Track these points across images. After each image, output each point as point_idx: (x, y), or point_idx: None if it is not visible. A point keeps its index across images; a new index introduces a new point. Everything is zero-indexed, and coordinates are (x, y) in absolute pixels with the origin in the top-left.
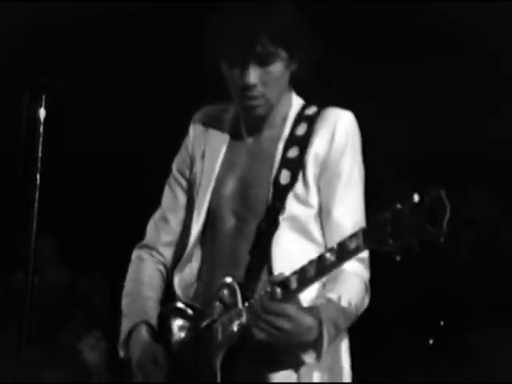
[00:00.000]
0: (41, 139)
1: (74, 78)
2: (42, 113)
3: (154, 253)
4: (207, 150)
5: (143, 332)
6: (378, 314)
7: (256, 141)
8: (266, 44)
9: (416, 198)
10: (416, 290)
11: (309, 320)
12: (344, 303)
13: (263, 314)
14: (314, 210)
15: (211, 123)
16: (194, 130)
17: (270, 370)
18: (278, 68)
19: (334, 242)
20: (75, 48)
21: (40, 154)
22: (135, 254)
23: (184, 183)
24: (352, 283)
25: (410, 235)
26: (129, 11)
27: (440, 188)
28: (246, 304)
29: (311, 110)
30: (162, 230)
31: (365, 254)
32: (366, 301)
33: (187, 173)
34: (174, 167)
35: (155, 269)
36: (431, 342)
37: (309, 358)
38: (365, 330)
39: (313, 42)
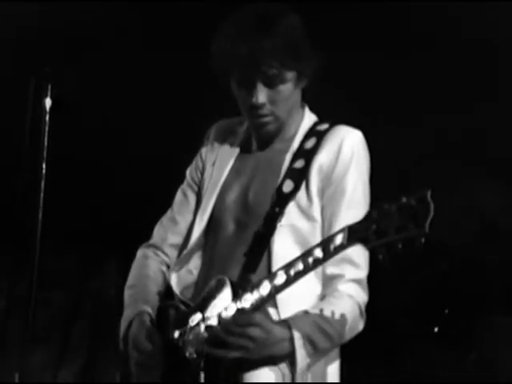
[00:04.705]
0: (46, 128)
1: (82, 67)
2: (48, 102)
3: (160, 253)
4: (218, 159)
5: (145, 319)
6: (383, 303)
7: (265, 153)
8: (273, 66)
9: (403, 198)
10: (420, 278)
11: (279, 331)
12: (326, 321)
13: (234, 328)
14: (317, 225)
15: (225, 135)
16: (209, 141)
17: (254, 368)
18: (286, 87)
19: (332, 262)
20: (82, 36)
21: (46, 144)
22: (140, 252)
23: (195, 188)
24: (342, 304)
25: (392, 233)
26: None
27: (426, 189)
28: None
29: (322, 127)
30: (169, 231)
31: (363, 274)
32: (360, 325)
33: (198, 179)
34: (188, 173)
35: (159, 268)
36: (436, 330)
37: (284, 370)
38: (368, 319)
39: (319, 57)
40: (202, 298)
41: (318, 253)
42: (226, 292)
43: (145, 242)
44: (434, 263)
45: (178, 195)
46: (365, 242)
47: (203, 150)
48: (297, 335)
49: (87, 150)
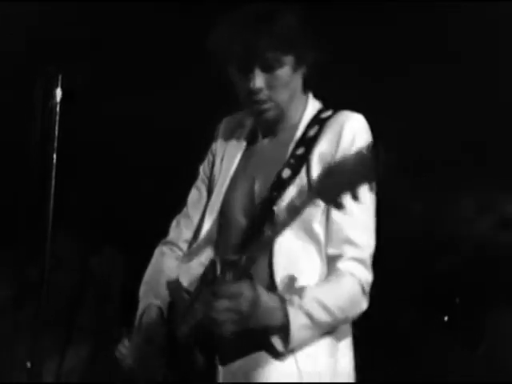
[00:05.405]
0: (57, 119)
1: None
2: (59, 93)
3: (175, 248)
4: (226, 153)
5: (152, 312)
6: (392, 293)
7: (269, 143)
8: (271, 50)
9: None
10: (430, 267)
11: (269, 299)
12: (323, 294)
13: (216, 301)
14: (319, 209)
15: (233, 128)
16: (219, 136)
17: (252, 349)
18: (284, 72)
19: (332, 241)
20: (91, 33)
21: (56, 134)
22: (157, 249)
23: (207, 184)
24: (342, 280)
25: (346, 184)
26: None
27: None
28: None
29: (326, 114)
30: (183, 227)
31: (364, 254)
32: (363, 304)
33: (209, 174)
34: (201, 169)
35: (174, 263)
36: (446, 319)
37: (277, 344)
38: (378, 310)
39: (319, 45)
40: (199, 281)
41: (285, 214)
42: (218, 272)
43: (162, 239)
44: (446, 255)
45: (192, 192)
46: (324, 198)
47: (213, 146)
48: (290, 304)
49: (97, 140)
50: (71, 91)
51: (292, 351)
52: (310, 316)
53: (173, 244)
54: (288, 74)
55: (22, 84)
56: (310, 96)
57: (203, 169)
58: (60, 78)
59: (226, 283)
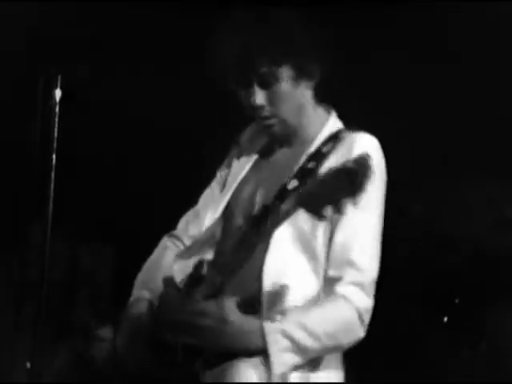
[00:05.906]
0: (57, 119)
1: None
2: (58, 93)
3: (178, 243)
4: (242, 158)
5: (141, 305)
6: (392, 293)
7: (283, 154)
8: (264, 63)
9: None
10: (430, 267)
11: (243, 321)
12: (310, 319)
13: (177, 316)
14: (321, 224)
15: (255, 135)
16: (240, 142)
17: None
18: (284, 86)
19: (333, 262)
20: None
21: (56, 134)
22: (162, 241)
23: (221, 185)
24: (336, 305)
25: (330, 196)
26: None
27: (366, 153)
28: None
29: (344, 134)
30: (191, 223)
31: (366, 278)
32: (359, 332)
33: (225, 176)
34: (218, 172)
35: (174, 258)
36: (446, 319)
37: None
38: (377, 310)
39: (321, 54)
40: (186, 280)
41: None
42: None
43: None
44: (446, 255)
45: (206, 191)
46: (306, 208)
47: (234, 150)
48: (268, 329)
49: (97, 140)
50: (71, 91)
51: (284, 375)
52: (291, 339)
53: (177, 238)
54: (288, 88)
55: (22, 84)
56: (333, 114)
57: (220, 169)
58: (60, 78)
59: (195, 300)
